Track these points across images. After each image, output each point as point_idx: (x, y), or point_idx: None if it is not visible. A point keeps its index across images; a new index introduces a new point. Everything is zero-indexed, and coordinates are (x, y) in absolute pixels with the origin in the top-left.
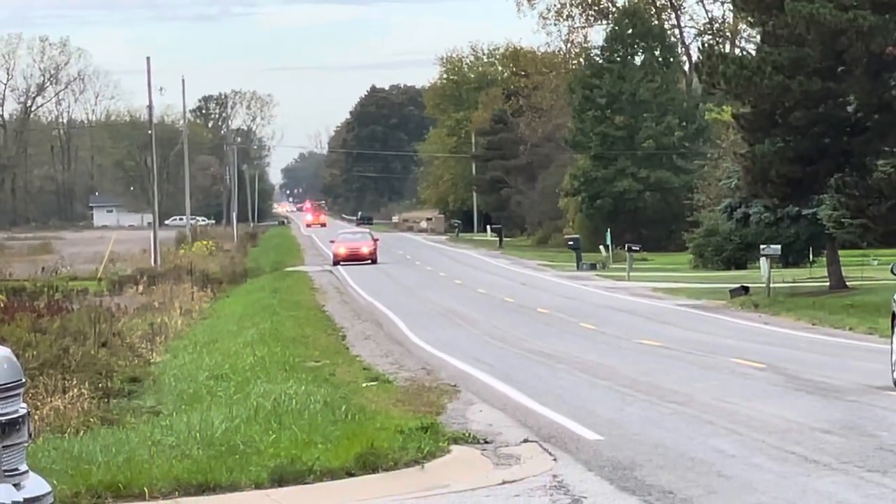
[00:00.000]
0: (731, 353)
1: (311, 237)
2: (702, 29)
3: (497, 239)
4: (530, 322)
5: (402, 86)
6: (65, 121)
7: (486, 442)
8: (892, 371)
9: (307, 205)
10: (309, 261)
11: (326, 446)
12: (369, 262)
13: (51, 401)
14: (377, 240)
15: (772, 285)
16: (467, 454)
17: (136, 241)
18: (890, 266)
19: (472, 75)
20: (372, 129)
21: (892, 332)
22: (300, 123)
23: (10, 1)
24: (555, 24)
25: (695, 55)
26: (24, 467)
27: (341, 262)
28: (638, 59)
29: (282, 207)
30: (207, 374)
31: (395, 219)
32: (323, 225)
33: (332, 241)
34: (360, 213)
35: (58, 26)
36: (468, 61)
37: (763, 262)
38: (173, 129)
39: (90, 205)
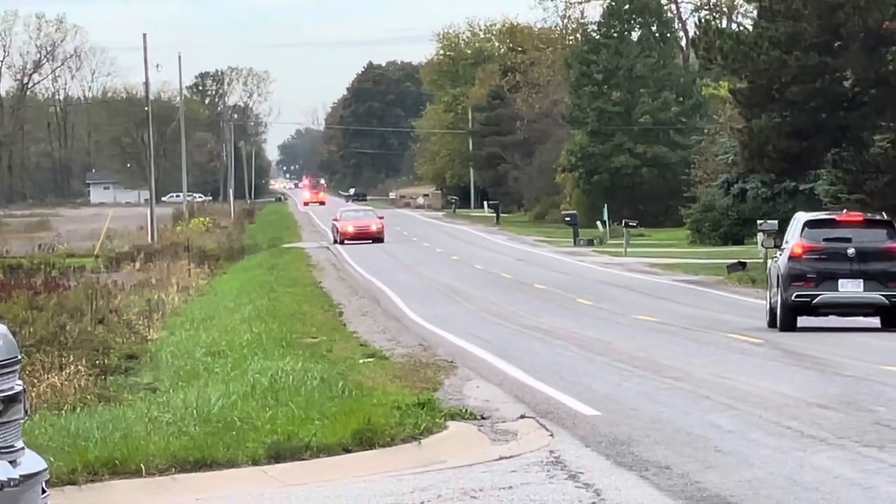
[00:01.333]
0: (728, 329)
1: (309, 214)
2: (698, 4)
3: (494, 215)
4: (527, 298)
5: (398, 62)
6: (61, 98)
7: (483, 418)
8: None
9: (305, 181)
10: (306, 237)
11: (323, 422)
12: (377, 240)
13: (48, 378)
14: (382, 217)
15: (769, 261)
16: (464, 430)
17: (133, 217)
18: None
19: (469, 51)
20: (369, 105)
21: None
22: (297, 100)
23: None
24: (551, 0)
25: (692, 30)
26: (20, 444)
27: (347, 241)
28: (635, 35)
29: (278, 184)
30: (204, 350)
31: (392, 195)
32: (322, 203)
33: (335, 220)
34: (352, 190)
35: (55, 2)
36: (465, 37)
37: (760, 236)
38: (170, 105)
39: (87, 182)
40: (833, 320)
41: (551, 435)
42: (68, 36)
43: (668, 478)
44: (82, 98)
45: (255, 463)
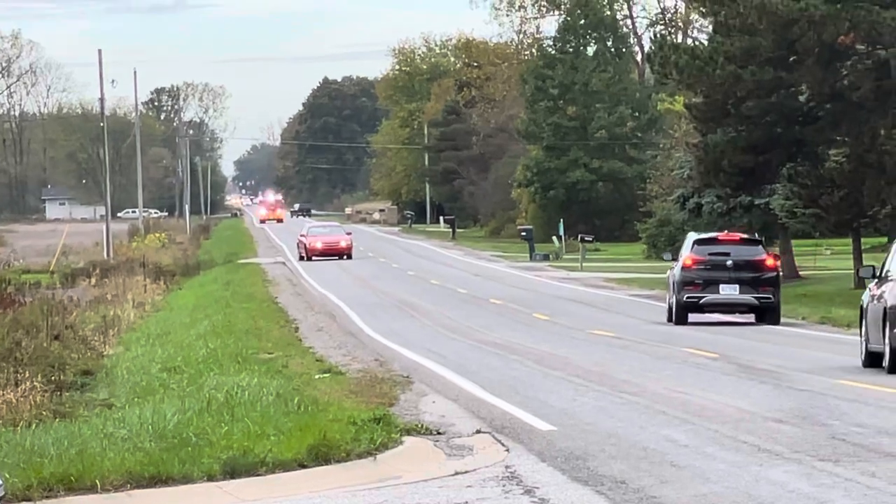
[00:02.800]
0: (684, 343)
1: (265, 229)
2: (654, 19)
3: (450, 230)
4: (483, 313)
5: (354, 77)
6: (17, 113)
7: (439, 433)
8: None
9: (262, 196)
10: (262, 253)
11: (279, 438)
12: (345, 257)
13: (3, 394)
14: (350, 234)
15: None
16: (420, 445)
17: (89, 233)
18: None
19: (425, 66)
20: (325, 120)
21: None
22: (253, 115)
23: None
24: (507, 15)
25: (647, 45)
26: None
27: (315, 257)
28: (590, 50)
29: (234, 200)
30: (160, 366)
31: (347, 210)
32: (279, 220)
33: (302, 235)
34: (297, 205)
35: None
36: (421, 52)
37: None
38: (126, 121)
39: (42, 198)
40: (717, 316)
41: (507, 450)
42: (24, 52)
43: (624, 493)
44: (38, 114)
45: (211, 479)
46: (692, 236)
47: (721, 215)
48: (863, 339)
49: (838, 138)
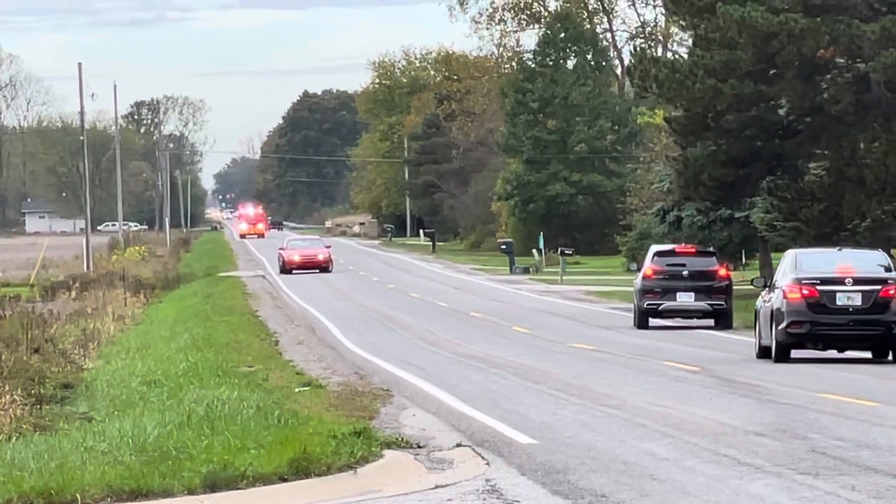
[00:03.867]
0: (664, 357)
1: (245, 243)
2: (634, 33)
3: (430, 243)
4: (463, 326)
5: (334, 90)
6: None
7: (419, 446)
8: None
9: (243, 209)
10: (242, 266)
11: (259, 452)
12: (323, 270)
13: None
14: (329, 246)
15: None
16: (400, 459)
17: (69, 247)
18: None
19: (405, 80)
20: (305, 133)
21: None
22: (233, 129)
23: None
24: (487, 29)
25: (627, 59)
26: None
27: (295, 270)
28: (570, 64)
29: (214, 213)
30: (140, 379)
31: (328, 223)
32: (261, 235)
33: (281, 249)
34: (270, 219)
35: None
36: (400, 66)
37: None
38: (105, 134)
39: (22, 211)
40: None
41: (487, 463)
42: (3, 65)
43: None
44: (17, 127)
45: (191, 492)
46: (653, 248)
47: (701, 228)
48: (756, 336)
49: (818, 152)
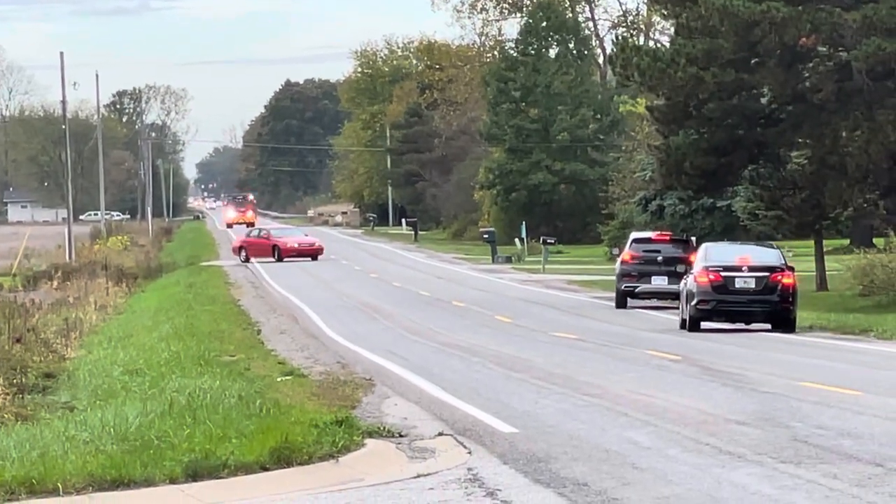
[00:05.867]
0: (646, 346)
1: (228, 233)
2: (616, 21)
3: (412, 232)
4: (446, 315)
5: (316, 80)
6: None
7: (401, 435)
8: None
9: (231, 196)
10: (224, 255)
11: (241, 441)
12: (316, 257)
13: None
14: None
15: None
16: (382, 448)
17: (51, 236)
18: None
19: (387, 69)
20: (287, 123)
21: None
22: (215, 118)
23: None
24: (469, 18)
25: (609, 48)
26: None
27: (289, 258)
28: (552, 52)
29: (198, 203)
30: (122, 369)
31: (310, 213)
32: (250, 224)
33: (256, 238)
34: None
35: None
36: (383, 55)
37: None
38: (88, 124)
39: (4, 200)
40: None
41: (469, 452)
42: None
43: (586, 495)
44: (0, 117)
45: (173, 481)
46: (632, 235)
47: (683, 217)
48: (681, 311)
49: (800, 140)
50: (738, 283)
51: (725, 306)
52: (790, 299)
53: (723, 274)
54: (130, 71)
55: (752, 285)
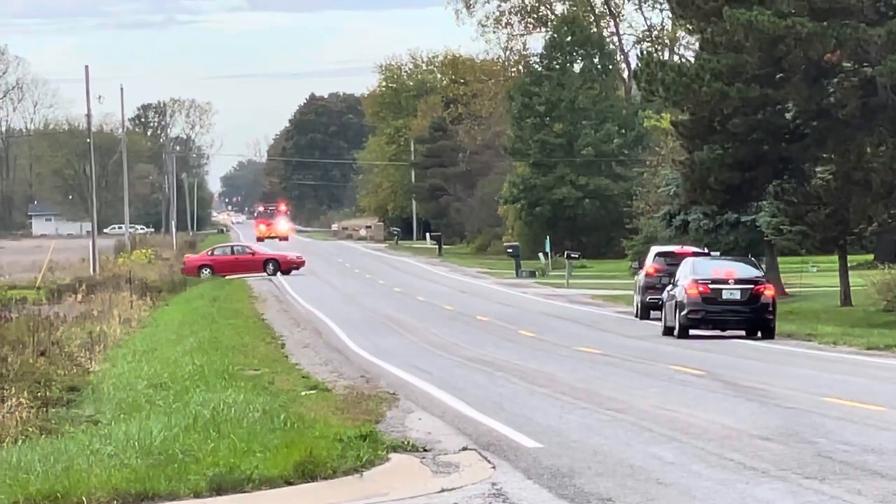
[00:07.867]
0: (670, 360)
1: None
2: (640, 36)
3: (436, 246)
4: (469, 330)
5: (341, 94)
6: (3, 129)
7: (425, 450)
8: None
9: (261, 208)
10: None
11: (265, 455)
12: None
13: None
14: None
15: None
16: (406, 462)
17: (75, 249)
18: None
19: (411, 83)
20: (311, 136)
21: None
22: (239, 131)
23: None
24: (493, 32)
25: (633, 62)
26: None
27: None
28: (577, 67)
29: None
30: (146, 382)
31: (334, 227)
32: (284, 238)
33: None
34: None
35: None
36: (407, 69)
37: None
38: (112, 137)
39: (29, 213)
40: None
41: (493, 467)
42: (10, 67)
43: None
44: (24, 130)
45: (197, 496)
46: (654, 249)
47: (707, 232)
48: (664, 319)
49: (824, 155)
50: (725, 295)
51: (714, 315)
52: (770, 309)
53: (711, 286)
54: (155, 84)
55: (738, 296)
